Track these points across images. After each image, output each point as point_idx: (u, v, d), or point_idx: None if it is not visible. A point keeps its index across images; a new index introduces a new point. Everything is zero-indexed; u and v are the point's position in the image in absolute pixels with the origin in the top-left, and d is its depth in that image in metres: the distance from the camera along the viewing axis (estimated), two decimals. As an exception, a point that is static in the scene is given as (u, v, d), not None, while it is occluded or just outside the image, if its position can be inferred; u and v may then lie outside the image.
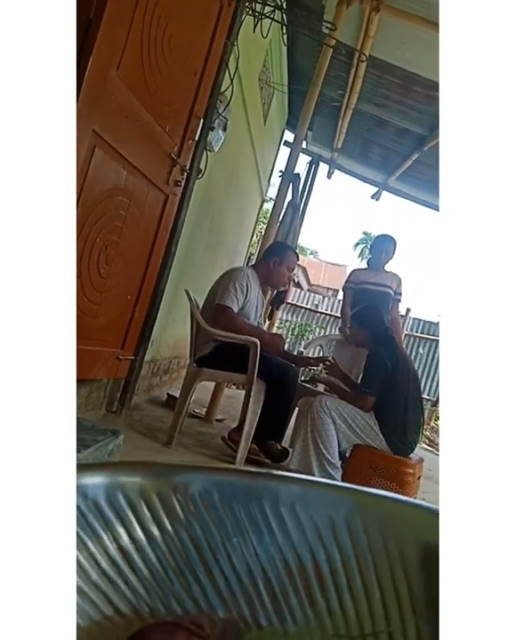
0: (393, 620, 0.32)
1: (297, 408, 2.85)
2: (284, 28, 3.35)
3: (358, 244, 35.95)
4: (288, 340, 8.93)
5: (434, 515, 0.35)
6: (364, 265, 4.28)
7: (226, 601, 0.33)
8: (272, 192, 9.94)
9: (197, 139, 2.54)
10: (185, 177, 2.55)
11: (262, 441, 2.55)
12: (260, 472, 0.36)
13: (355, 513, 0.35)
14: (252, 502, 0.35)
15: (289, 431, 2.83)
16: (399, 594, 0.32)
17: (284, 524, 0.35)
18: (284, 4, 3.12)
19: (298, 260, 3.02)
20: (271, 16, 2.98)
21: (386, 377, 2.58)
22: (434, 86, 4.20)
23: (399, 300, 3.92)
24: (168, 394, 3.41)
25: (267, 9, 2.94)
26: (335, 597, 0.33)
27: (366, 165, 6.75)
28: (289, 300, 8.82)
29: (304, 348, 4.07)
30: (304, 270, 18.56)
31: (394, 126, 5.32)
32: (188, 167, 2.54)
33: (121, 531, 0.35)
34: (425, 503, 0.36)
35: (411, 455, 2.63)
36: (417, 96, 4.52)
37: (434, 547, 0.34)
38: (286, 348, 3.01)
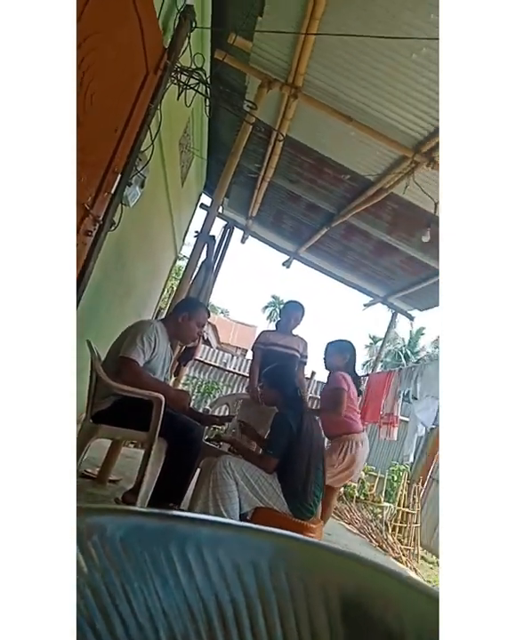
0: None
1: (199, 468, 2.77)
2: (207, 100, 3.55)
3: (267, 306, 37.00)
4: (194, 397, 8.77)
5: (339, 556, 0.36)
6: (273, 327, 4.40)
7: (122, 650, 0.30)
8: (187, 251, 10.12)
9: (113, 192, 2.57)
10: (97, 228, 2.54)
11: (160, 504, 2.43)
12: (168, 514, 0.35)
13: (261, 554, 0.35)
14: (158, 545, 0.34)
15: (189, 492, 2.72)
16: (300, 633, 0.32)
17: (189, 567, 0.33)
18: (208, 80, 3.33)
19: (209, 316, 3.04)
20: (196, 88, 3.17)
21: (291, 439, 2.59)
22: (344, 170, 4.61)
23: (305, 363, 4.05)
24: (61, 451, 3.17)
25: (192, 81, 3.12)
26: (237, 638, 0.31)
27: (278, 234, 7.12)
28: (197, 357, 8.74)
29: (210, 406, 4.03)
30: (214, 328, 18.64)
31: (306, 202, 5.70)
32: (101, 218, 2.54)
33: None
34: (334, 546, 0.36)
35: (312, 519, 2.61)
36: (328, 177, 4.92)
37: (338, 586, 0.34)
38: (191, 405, 2.95)
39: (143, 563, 0.33)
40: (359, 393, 4.00)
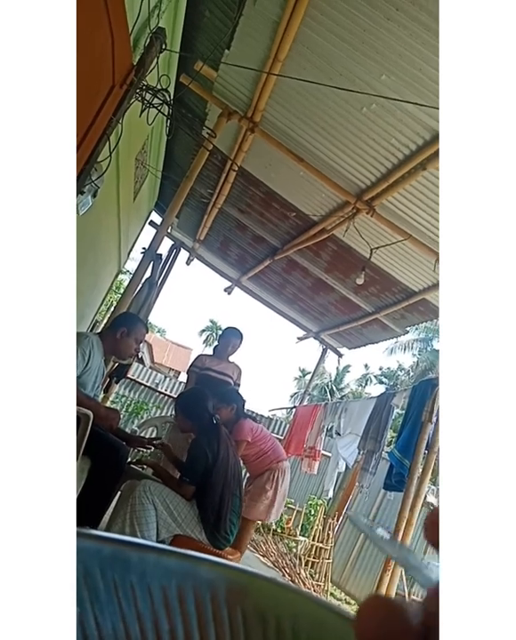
0: None
1: (119, 491, 2.67)
2: (168, 121, 3.57)
3: (204, 330, 36.74)
4: (122, 416, 8.46)
5: (281, 588, 0.36)
6: (209, 351, 4.40)
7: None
8: (130, 266, 9.89)
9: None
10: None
11: (76, 525, 2.31)
12: (111, 538, 0.34)
13: (204, 583, 0.35)
14: (100, 570, 0.32)
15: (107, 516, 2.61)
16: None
17: (131, 594, 0.32)
18: (171, 102, 3.36)
19: (147, 332, 2.99)
20: (158, 108, 3.19)
21: (207, 466, 2.56)
22: (290, 207, 4.75)
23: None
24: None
25: (156, 101, 3.14)
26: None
27: (223, 260, 7.17)
28: (129, 375, 8.47)
29: (138, 427, 3.91)
30: (150, 347, 18.25)
31: (252, 232, 5.80)
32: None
33: None
34: (274, 578, 0.36)
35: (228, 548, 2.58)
36: (275, 212, 5.04)
37: (278, 620, 0.34)
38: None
39: (81, 588, 0.32)
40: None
